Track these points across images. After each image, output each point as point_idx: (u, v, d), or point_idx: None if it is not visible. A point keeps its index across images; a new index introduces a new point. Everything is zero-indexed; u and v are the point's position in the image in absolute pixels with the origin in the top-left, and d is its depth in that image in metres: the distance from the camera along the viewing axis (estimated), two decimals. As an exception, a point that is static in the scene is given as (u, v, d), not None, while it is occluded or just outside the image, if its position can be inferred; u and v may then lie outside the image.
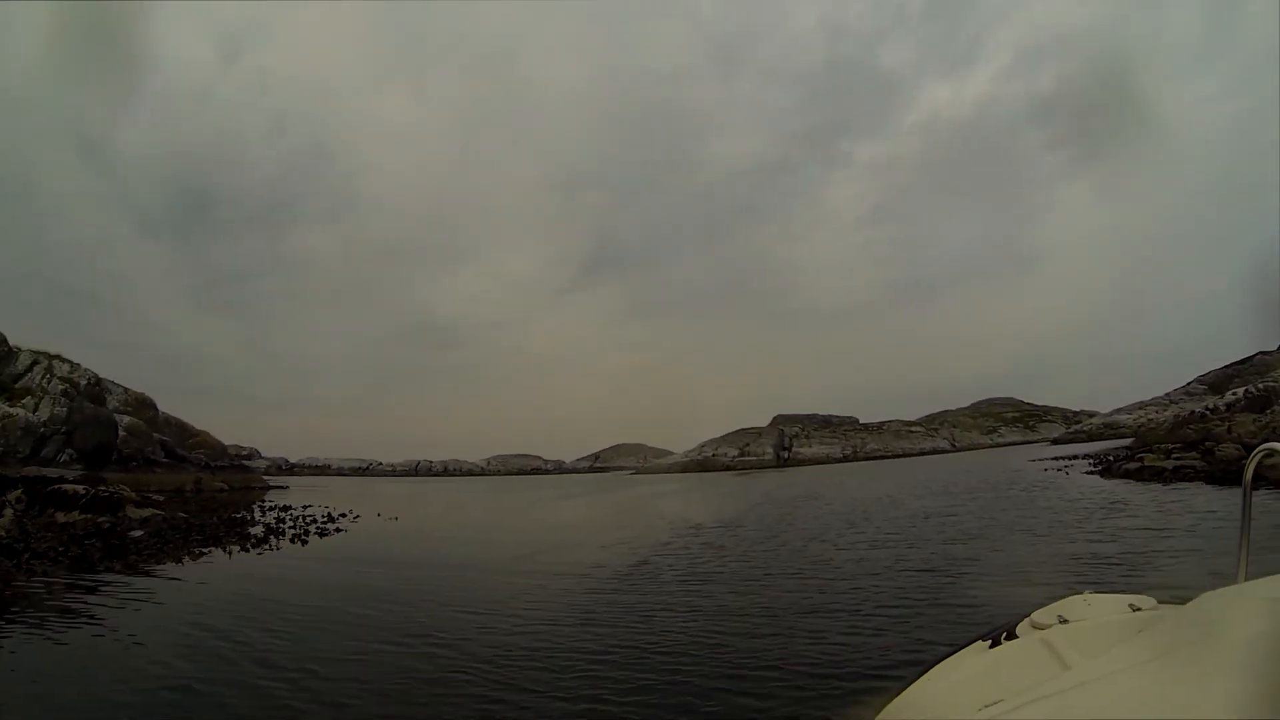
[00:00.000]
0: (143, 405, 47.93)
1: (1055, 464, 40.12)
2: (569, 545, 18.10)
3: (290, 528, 22.84)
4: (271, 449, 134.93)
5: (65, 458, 38.85)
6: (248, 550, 17.54)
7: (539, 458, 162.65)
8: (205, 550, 17.24)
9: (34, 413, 38.99)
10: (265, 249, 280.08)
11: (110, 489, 25.61)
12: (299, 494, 50.65)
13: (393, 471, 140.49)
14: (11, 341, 42.13)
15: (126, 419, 44.36)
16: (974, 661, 2.10)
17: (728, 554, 14.01)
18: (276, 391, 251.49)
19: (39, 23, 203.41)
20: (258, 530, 21.88)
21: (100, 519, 22.38)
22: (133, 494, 26.39)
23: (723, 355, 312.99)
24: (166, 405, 49.63)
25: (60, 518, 22.53)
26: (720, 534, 17.76)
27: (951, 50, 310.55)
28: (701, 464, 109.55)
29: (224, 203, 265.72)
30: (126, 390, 47.52)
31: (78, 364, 45.14)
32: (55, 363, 43.55)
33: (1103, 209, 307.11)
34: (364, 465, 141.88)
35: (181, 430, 50.84)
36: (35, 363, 42.36)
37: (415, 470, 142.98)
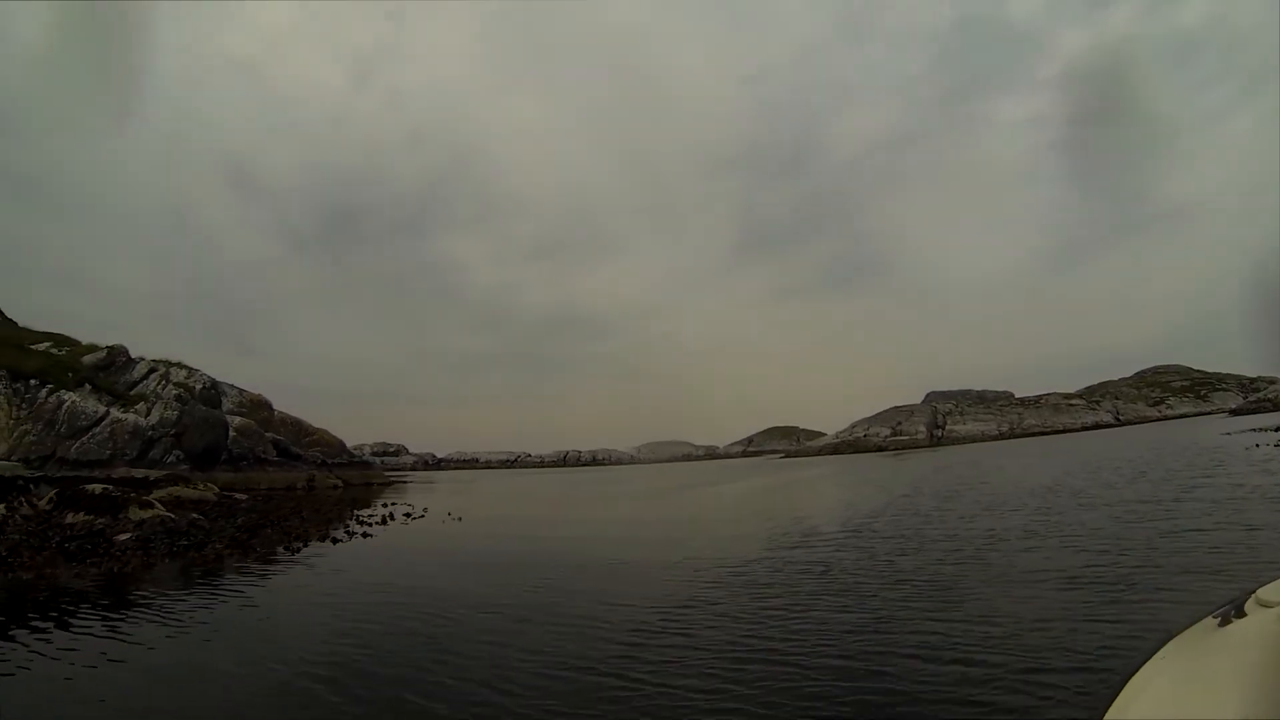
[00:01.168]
0: (257, 406, 49.13)
1: (1259, 436, 32.76)
2: (605, 569, 13.00)
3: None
4: (421, 444, 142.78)
5: (172, 459, 39.83)
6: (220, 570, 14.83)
7: (689, 444, 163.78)
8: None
9: (145, 417, 40.30)
10: (412, 255, 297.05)
11: (121, 490, 24.62)
12: (415, 490, 50.43)
13: (541, 463, 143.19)
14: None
15: (238, 420, 45.36)
16: (1209, 642, 1.90)
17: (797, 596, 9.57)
18: (429, 388, 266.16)
19: (173, 69, 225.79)
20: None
21: (100, 519, 21.24)
22: (138, 494, 25.04)
23: (872, 333, 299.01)
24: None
25: (69, 518, 21.58)
26: (826, 548, 13.32)
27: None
28: (853, 445, 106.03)
29: (369, 215, 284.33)
30: (242, 392, 48.84)
31: (195, 370, 46.78)
32: (172, 369, 45.23)
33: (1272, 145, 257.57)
34: (512, 457, 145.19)
35: (297, 429, 51.86)
36: (152, 371, 44.09)
37: (564, 460, 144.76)
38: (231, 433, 44.23)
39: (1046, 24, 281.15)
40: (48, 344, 41.35)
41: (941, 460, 50.88)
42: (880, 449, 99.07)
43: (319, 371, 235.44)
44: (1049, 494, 19.09)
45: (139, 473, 34.24)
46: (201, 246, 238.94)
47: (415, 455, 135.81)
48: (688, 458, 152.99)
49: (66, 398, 37.67)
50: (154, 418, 40.51)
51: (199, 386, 45.33)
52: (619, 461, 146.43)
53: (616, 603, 9.60)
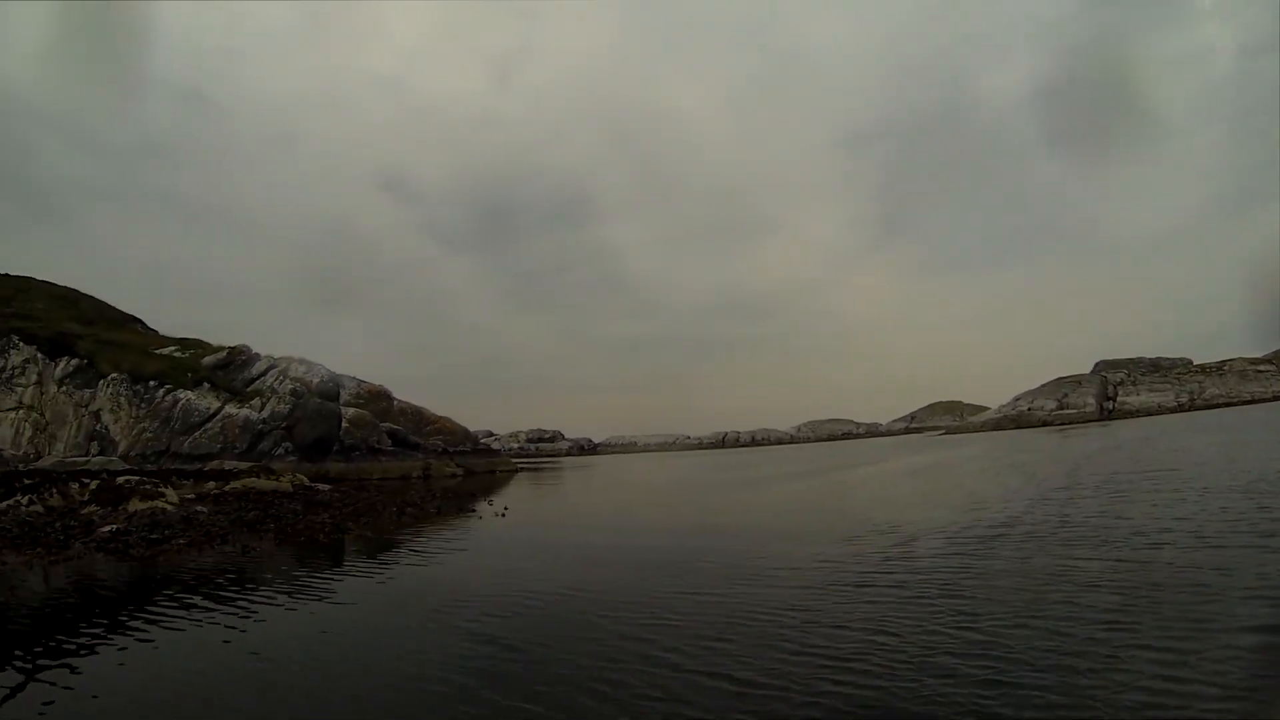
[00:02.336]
0: (375, 397, 49.53)
1: None
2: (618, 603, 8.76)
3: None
4: (580, 431, 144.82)
5: (281, 451, 40.50)
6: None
7: (850, 422, 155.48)
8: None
9: (258, 412, 41.42)
10: (567, 245, 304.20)
11: (131, 481, 23.78)
12: (541, 476, 49.02)
13: (699, 445, 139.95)
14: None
15: (352, 411, 45.71)
16: None
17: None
18: (588, 375, 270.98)
19: (317, 92, 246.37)
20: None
21: (102, 510, 20.45)
22: (162, 488, 24.01)
23: (1035, 301, 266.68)
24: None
25: (86, 510, 21.00)
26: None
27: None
28: (1015, 420, 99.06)
29: (522, 210, 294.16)
30: (360, 384, 49.41)
31: (315, 364, 47.88)
32: (292, 365, 46.53)
33: None
34: (670, 440, 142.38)
35: (418, 418, 51.87)
36: (271, 367, 45.55)
37: (721, 442, 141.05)
38: (344, 424, 44.56)
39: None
40: (173, 348, 43.75)
41: (1111, 437, 42.48)
42: (1045, 424, 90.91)
43: (478, 363, 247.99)
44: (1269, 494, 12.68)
45: (230, 464, 34.58)
46: (362, 252, 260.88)
47: (571, 441, 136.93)
48: (847, 436, 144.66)
49: (182, 396, 39.34)
50: (266, 412, 41.49)
51: (316, 380, 46.23)
52: (778, 442, 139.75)
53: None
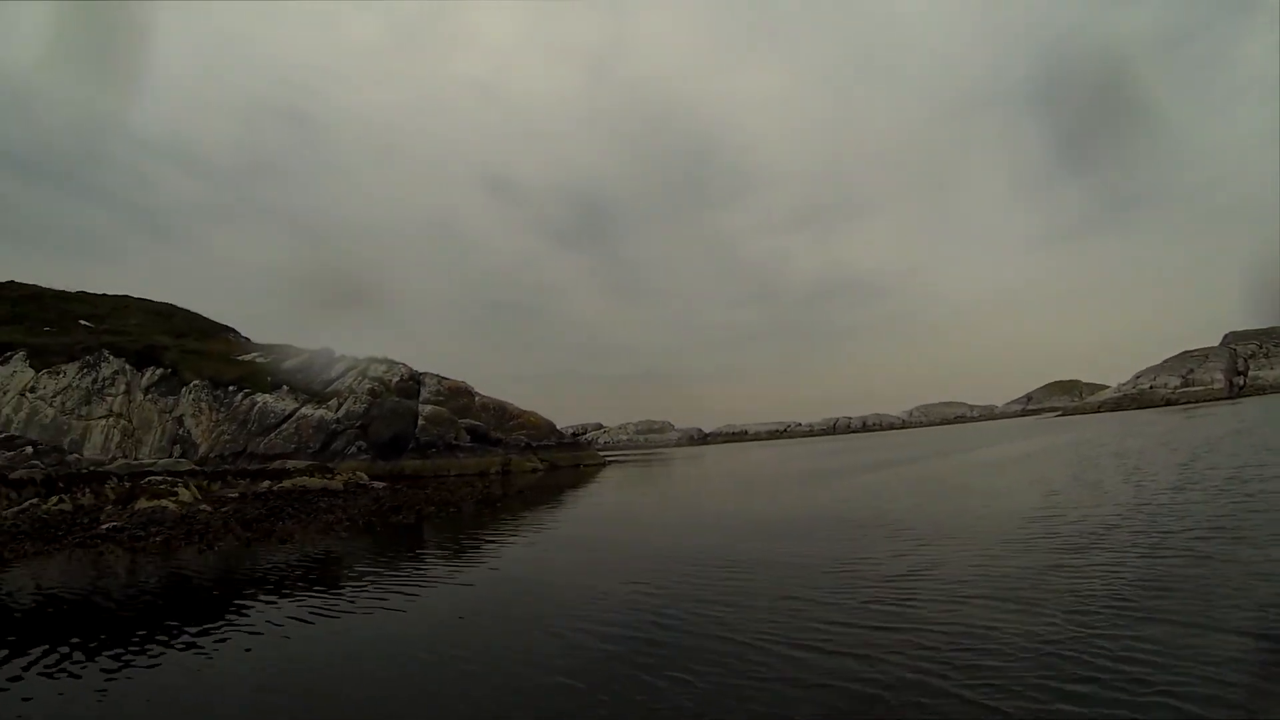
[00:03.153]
0: (456, 393, 48.96)
1: None
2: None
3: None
4: (691, 420, 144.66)
5: (354, 450, 40.37)
6: None
7: (963, 405, 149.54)
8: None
9: (334, 412, 41.61)
10: (674, 236, 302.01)
11: (169, 480, 23.33)
12: (635, 469, 46.92)
13: (810, 431, 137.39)
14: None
15: (429, 409, 45.25)
16: None
17: None
18: (699, 365, 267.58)
19: (413, 102, 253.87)
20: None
21: (113, 508, 20.38)
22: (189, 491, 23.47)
23: (1157, 271, 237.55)
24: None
25: (106, 508, 20.92)
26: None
27: None
28: (1136, 399, 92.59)
29: (625, 203, 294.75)
30: (441, 381, 48.98)
31: (397, 364, 47.94)
32: (373, 365, 46.70)
33: None
34: (781, 428, 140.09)
35: (500, 413, 50.88)
36: (351, 368, 45.85)
37: (833, 428, 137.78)
38: (420, 421, 44.16)
39: None
40: (256, 354, 44.85)
41: (1241, 419, 36.28)
42: (1168, 403, 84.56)
43: (586, 357, 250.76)
44: None
45: (291, 464, 34.43)
46: (469, 252, 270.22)
47: (680, 431, 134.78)
48: (960, 420, 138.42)
49: (259, 400, 39.98)
50: (340, 412, 41.59)
51: (395, 380, 46.14)
52: (890, 427, 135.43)
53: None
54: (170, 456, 36.67)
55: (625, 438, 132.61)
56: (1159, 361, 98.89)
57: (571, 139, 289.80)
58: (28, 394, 35.75)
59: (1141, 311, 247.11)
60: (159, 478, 26.19)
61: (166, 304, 47.99)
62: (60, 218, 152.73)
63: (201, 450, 37.59)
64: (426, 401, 46.44)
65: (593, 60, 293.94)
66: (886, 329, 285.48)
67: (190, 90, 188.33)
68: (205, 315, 50.29)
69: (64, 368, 37.11)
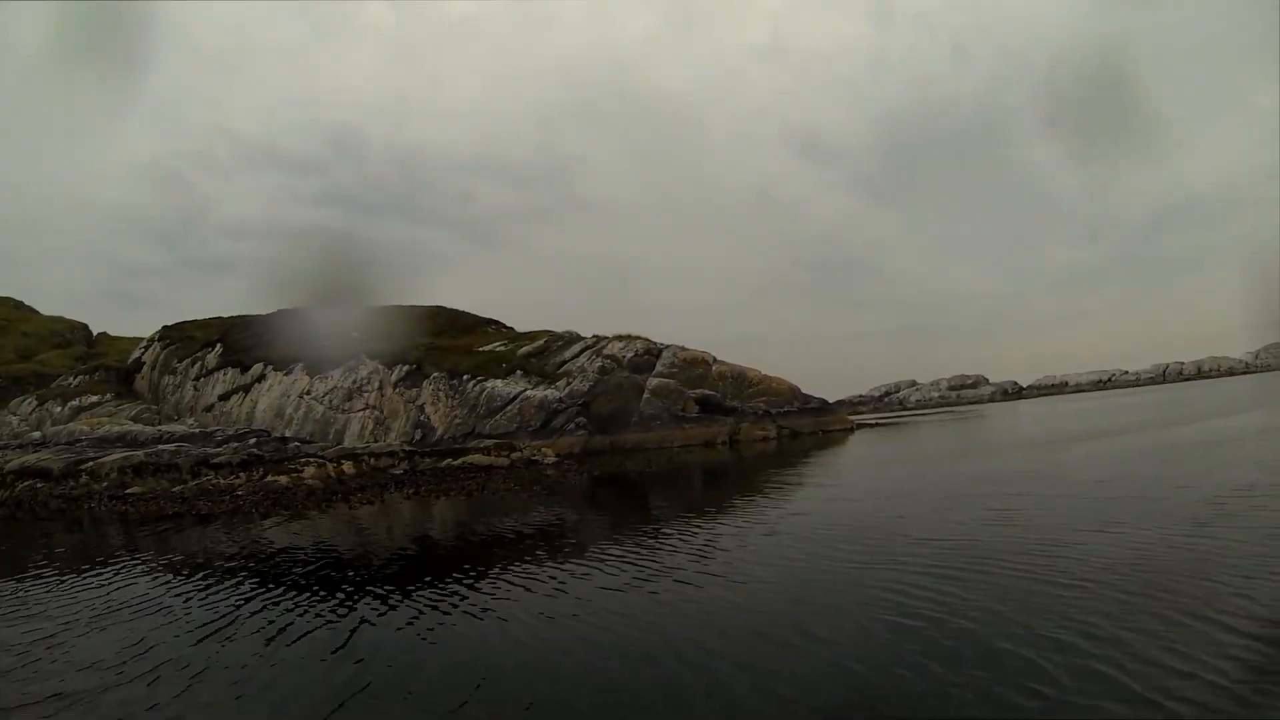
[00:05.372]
0: (691, 364, 46.44)
1: None
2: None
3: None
4: (1009, 373, 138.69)
5: (573, 426, 40.21)
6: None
7: None
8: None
9: (560, 391, 41.97)
10: (987, 178, 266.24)
11: (303, 458, 24.24)
12: (894, 433, 41.60)
13: (1136, 381, 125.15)
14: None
15: (655, 381, 43.51)
16: None
17: None
18: (1023, 314, 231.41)
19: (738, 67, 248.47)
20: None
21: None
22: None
23: None
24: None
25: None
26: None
27: None
28: None
29: (935, 146, 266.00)
30: (678, 353, 46.90)
31: (636, 339, 47.03)
32: (611, 344, 46.38)
33: None
34: (1105, 377, 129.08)
35: (740, 380, 47.16)
36: (586, 349, 46.11)
37: (1162, 376, 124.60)
38: (646, 395, 42.70)
39: None
40: (499, 343, 47.43)
41: None
42: None
43: (908, 314, 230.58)
44: None
45: (487, 443, 34.89)
46: (789, 218, 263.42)
47: (994, 385, 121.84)
48: None
49: (488, 385, 41.75)
50: (564, 391, 41.82)
51: (630, 355, 45.16)
52: (1229, 372, 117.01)
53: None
54: (413, 439, 39.77)
55: (937, 395, 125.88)
56: None
57: (869, 87, 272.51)
58: (305, 396, 41.66)
59: None
60: (350, 457, 27.99)
61: (432, 306, 53.23)
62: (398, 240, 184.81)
63: (438, 433, 40.21)
64: (660, 374, 44.81)
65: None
66: (1233, 255, 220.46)
67: (482, 105, 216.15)
68: (470, 311, 54.85)
69: (331, 372, 42.51)
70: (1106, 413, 46.13)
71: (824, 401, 52.41)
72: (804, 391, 50.79)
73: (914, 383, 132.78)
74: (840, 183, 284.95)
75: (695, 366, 46.57)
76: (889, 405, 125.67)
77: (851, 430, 48.08)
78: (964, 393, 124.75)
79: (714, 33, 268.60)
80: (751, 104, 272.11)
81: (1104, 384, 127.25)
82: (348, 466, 27.85)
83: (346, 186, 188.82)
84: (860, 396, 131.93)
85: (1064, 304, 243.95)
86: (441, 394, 41.65)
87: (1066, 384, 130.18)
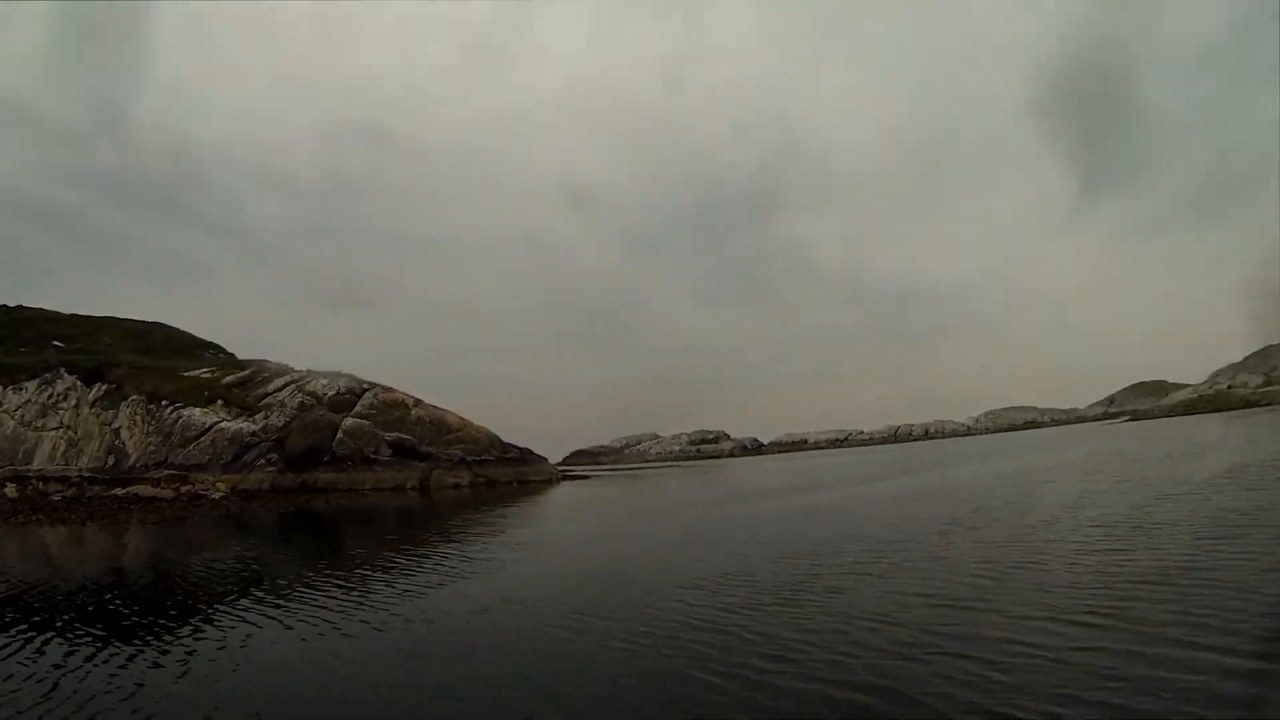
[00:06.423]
0: (391, 406, 51.94)
1: None
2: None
3: None
4: (750, 430, 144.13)
5: (263, 461, 44.55)
6: None
7: (1034, 409, 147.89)
8: None
9: (256, 425, 46.03)
10: (753, 245, 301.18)
11: None
12: (590, 486, 48.32)
13: (870, 440, 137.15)
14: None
15: (350, 421, 48.64)
16: None
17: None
18: (773, 372, 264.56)
19: (492, 113, 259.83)
20: None
21: None
22: None
23: (1249, 263, 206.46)
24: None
25: None
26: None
27: None
28: (1212, 400, 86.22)
29: (710, 211, 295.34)
30: (378, 395, 52.40)
31: (341, 375, 51.90)
32: (315, 379, 50.91)
33: None
34: (842, 436, 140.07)
35: (438, 426, 53.45)
36: (290, 383, 50.31)
37: (894, 436, 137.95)
38: (340, 434, 47.74)
39: None
40: (204, 369, 50.28)
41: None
42: (1249, 404, 78.62)
43: (663, 365, 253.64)
44: None
45: (163, 473, 38.93)
46: (556, 261, 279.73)
47: (735, 441, 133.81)
48: (1031, 425, 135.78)
49: (185, 413, 44.97)
50: (260, 424, 45.97)
51: (331, 393, 49.89)
52: (953, 434, 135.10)
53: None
54: (105, 465, 42.28)
55: (678, 448, 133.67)
56: (1240, 359, 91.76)
57: (652, 147, 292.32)
58: (-7, 408, 42.63)
59: (1232, 307, 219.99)
60: (16, 479, 30.99)
61: (149, 322, 54.57)
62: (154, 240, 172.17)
63: (132, 459, 42.95)
64: (357, 414, 49.93)
65: (670, 69, 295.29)
66: (964, 332, 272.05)
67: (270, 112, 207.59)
68: (190, 332, 56.57)
69: (26, 384, 43.60)
70: (810, 471, 49.46)
71: (526, 451, 59.02)
72: (506, 441, 57.72)
73: (656, 436, 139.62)
74: (610, 234, 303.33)
75: (395, 409, 52.29)
76: (629, 457, 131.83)
77: (553, 482, 54.72)
78: (704, 447, 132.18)
79: (509, 72, 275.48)
80: (534, 148, 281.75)
81: (840, 442, 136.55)
82: (10, 490, 31.01)
83: (109, 169, 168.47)
84: (602, 446, 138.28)
85: (816, 365, 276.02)
86: (139, 418, 44.27)
87: (806, 441, 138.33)
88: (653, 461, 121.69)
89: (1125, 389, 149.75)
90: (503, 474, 52.72)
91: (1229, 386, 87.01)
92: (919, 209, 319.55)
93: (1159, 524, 11.92)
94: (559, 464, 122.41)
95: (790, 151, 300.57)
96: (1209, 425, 51.82)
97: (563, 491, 43.93)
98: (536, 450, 59.89)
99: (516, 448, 58.15)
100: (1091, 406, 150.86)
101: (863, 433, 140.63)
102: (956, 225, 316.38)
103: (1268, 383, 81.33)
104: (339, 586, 12.41)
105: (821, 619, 8.08)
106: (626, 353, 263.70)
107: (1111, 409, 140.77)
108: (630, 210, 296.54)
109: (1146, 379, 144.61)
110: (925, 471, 36.86)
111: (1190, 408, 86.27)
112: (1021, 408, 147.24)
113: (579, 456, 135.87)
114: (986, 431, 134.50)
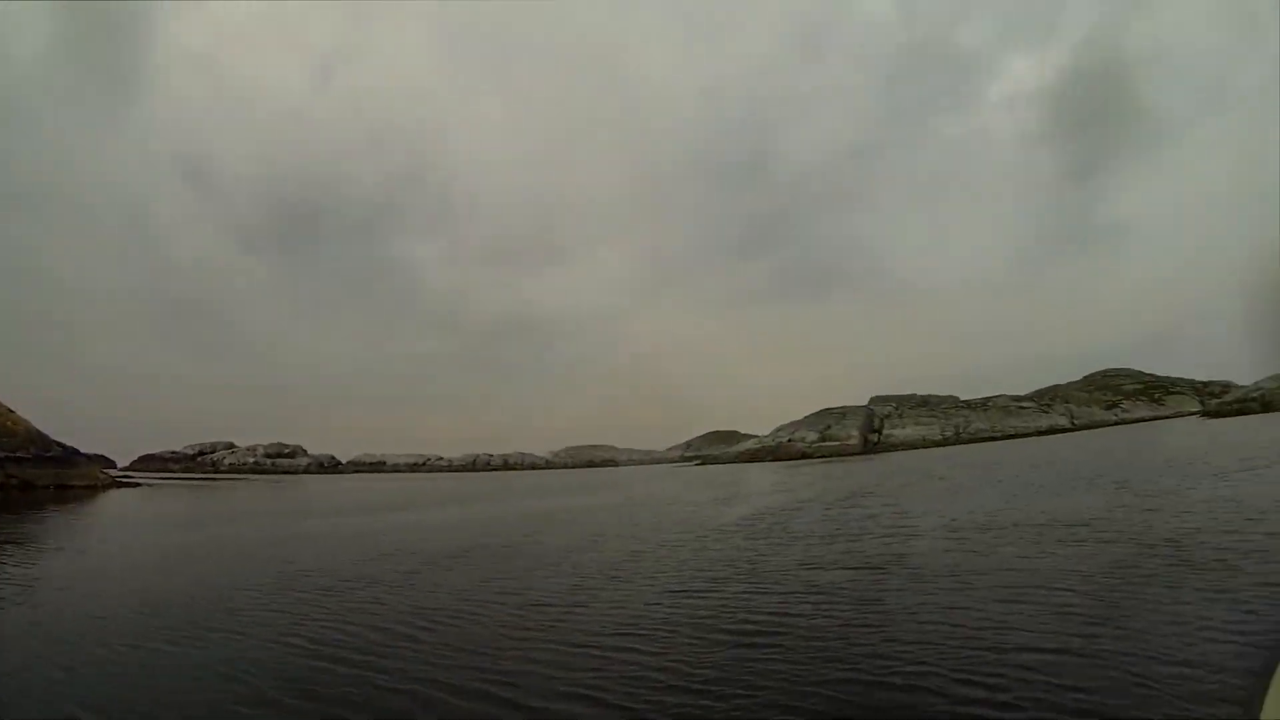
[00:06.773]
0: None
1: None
2: None
3: None
4: (330, 447, 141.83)
5: None
6: None
7: (612, 449, 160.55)
8: None
9: None
10: (367, 257, 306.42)
11: None
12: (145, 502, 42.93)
13: (449, 466, 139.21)
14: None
15: None
16: None
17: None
18: (373, 391, 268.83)
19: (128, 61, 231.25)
20: None
21: None
22: None
23: (824, 339, 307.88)
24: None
25: None
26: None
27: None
28: (774, 451, 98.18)
29: (326, 216, 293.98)
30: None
31: None
32: None
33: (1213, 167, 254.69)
34: (421, 460, 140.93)
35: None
36: None
37: (473, 465, 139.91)
38: None
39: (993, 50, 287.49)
40: None
41: (853, 475, 39.64)
42: (805, 456, 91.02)
43: (261, 369, 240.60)
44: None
45: None
46: (156, 242, 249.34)
47: (311, 457, 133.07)
48: (607, 463, 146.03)
49: None
50: None
51: None
52: (532, 466, 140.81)
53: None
54: None
55: (253, 460, 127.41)
56: (802, 417, 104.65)
57: (282, 139, 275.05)
58: None
59: (815, 373, 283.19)
60: None
61: None
62: None
63: None
64: None
65: (322, 62, 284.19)
66: (562, 371, 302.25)
67: None
68: None
69: None
70: (377, 492, 50.63)
71: (72, 451, 53.12)
72: (51, 438, 51.06)
73: (232, 445, 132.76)
74: (222, 222, 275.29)
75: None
76: (202, 465, 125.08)
77: (100, 488, 50.18)
78: (280, 461, 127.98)
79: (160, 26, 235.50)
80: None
81: (420, 467, 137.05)
82: None
83: None
84: (174, 453, 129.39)
85: (408, 387, 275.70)
86: None
87: (385, 463, 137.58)
88: (225, 473, 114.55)
89: (702, 435, 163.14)
90: (42, 476, 47.82)
91: (789, 440, 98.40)
92: (535, 249, 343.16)
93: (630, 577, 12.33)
94: (126, 468, 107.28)
95: (417, 173, 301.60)
96: (763, 473, 57.58)
97: (111, 502, 40.99)
98: (106, 453, 54.22)
99: (62, 446, 52.27)
100: (670, 449, 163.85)
101: (442, 459, 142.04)
102: (566, 271, 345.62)
103: (822, 439, 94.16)
104: None
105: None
106: (210, 351, 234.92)
107: (687, 453, 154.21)
108: (245, 203, 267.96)
109: (724, 429, 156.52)
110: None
111: (755, 456, 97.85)
112: (601, 446, 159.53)
113: (149, 461, 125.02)
114: (565, 466, 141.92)
